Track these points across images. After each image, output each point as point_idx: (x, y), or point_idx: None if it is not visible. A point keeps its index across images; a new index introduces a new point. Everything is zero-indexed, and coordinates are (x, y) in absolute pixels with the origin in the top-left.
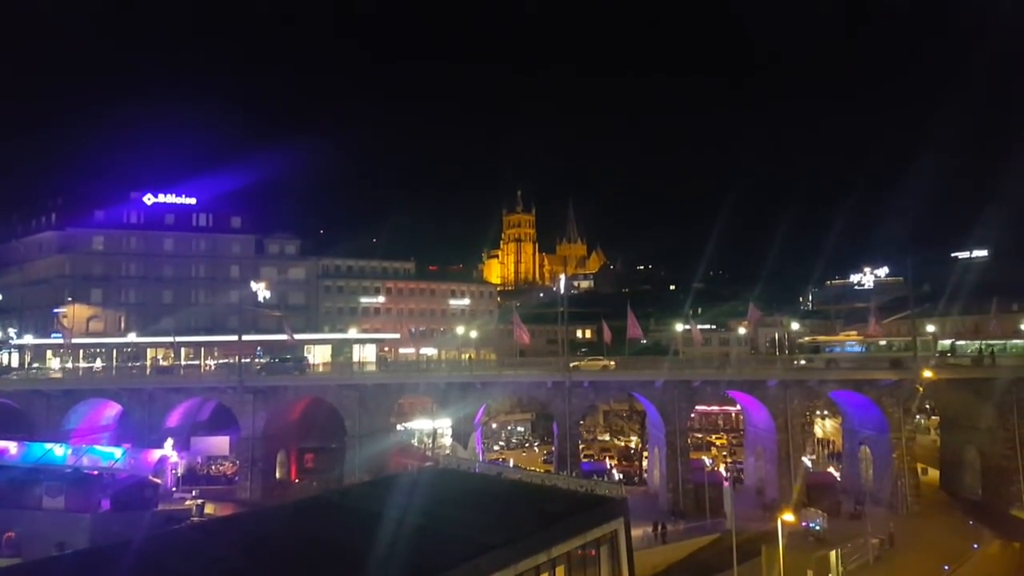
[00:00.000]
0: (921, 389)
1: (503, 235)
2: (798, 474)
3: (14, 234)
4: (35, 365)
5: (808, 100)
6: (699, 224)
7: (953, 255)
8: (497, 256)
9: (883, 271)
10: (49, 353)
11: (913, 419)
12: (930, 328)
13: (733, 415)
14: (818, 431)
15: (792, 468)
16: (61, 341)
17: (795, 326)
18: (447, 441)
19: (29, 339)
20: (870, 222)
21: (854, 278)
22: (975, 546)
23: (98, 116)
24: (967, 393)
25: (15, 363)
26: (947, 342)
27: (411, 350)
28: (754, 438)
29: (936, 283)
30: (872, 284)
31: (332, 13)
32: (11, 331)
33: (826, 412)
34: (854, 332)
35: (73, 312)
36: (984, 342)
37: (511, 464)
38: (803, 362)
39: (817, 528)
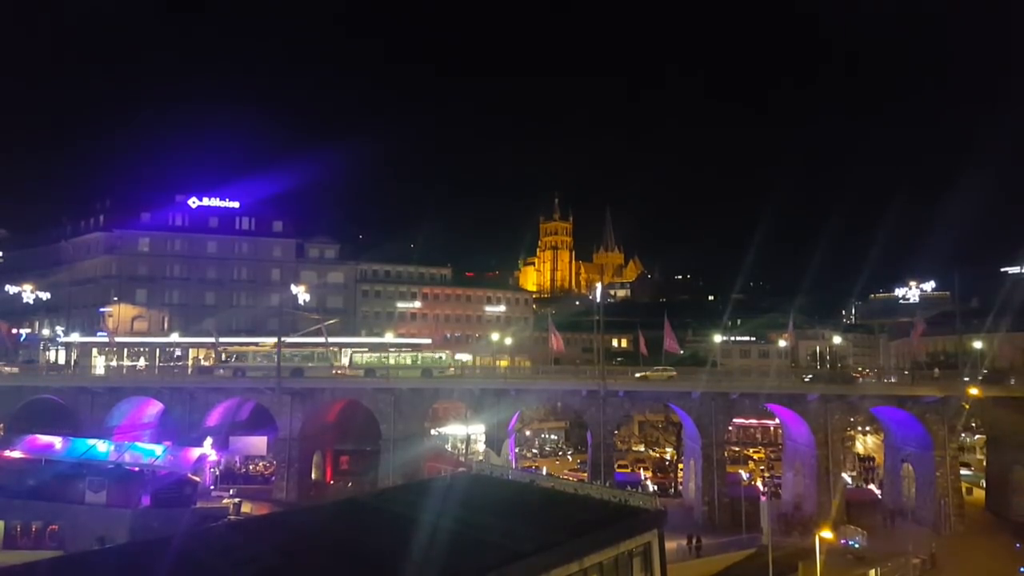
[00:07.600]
0: (967, 406)
1: (540, 242)
2: (837, 490)
3: (63, 235)
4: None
5: (854, 110)
6: (739, 234)
7: (1003, 269)
8: (534, 263)
9: (929, 285)
10: (94, 351)
11: (958, 437)
12: (977, 344)
13: (772, 429)
14: (859, 447)
15: (831, 484)
16: (107, 339)
17: (837, 339)
18: (480, 447)
19: (76, 337)
20: (917, 235)
21: (899, 292)
22: (1022, 569)
23: (145, 121)
24: (1015, 412)
25: (62, 360)
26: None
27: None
28: (793, 453)
29: (985, 298)
30: (918, 298)
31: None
32: (59, 329)
33: (868, 428)
34: (268, 341)
35: (118, 311)
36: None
37: (544, 472)
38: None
39: (856, 546)
